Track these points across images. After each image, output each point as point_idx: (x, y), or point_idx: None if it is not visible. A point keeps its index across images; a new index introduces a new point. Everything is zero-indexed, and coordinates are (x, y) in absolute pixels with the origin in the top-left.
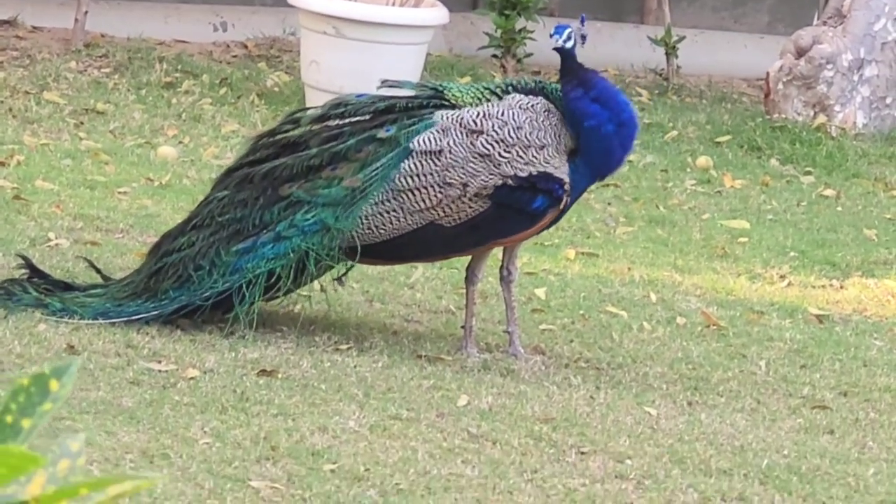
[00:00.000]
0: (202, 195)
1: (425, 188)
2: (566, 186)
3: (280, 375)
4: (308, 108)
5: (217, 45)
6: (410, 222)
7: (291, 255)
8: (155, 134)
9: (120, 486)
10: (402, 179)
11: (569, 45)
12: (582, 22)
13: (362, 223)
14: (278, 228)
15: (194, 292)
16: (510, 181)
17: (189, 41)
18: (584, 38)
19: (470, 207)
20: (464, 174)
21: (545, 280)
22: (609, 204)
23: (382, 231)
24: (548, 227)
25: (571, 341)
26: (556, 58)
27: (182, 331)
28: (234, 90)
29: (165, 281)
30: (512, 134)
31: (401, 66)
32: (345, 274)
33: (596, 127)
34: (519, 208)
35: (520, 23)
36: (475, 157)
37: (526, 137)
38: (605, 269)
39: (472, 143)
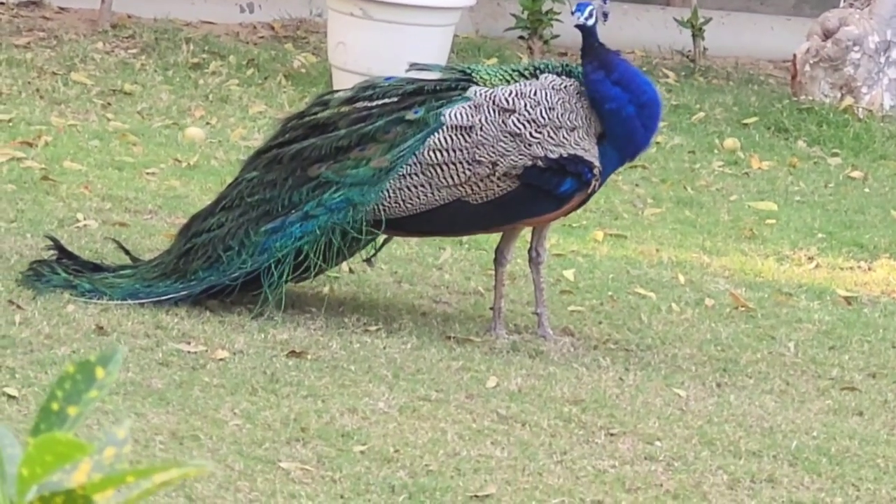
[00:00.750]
0: (230, 176)
1: (454, 164)
2: (595, 171)
3: (309, 357)
4: (337, 91)
5: (244, 26)
6: (437, 198)
7: (318, 232)
8: (182, 115)
9: (166, 474)
10: (431, 153)
11: (590, 22)
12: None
13: (390, 196)
14: (306, 208)
15: (223, 272)
16: (540, 162)
17: (216, 22)
18: (605, 15)
19: (498, 186)
20: (493, 152)
21: (574, 261)
22: (637, 185)
23: (409, 205)
24: (575, 209)
25: (600, 323)
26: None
27: (211, 312)
28: (261, 71)
29: (195, 261)
30: (544, 114)
31: (427, 47)
32: (374, 255)
33: (617, 110)
34: (547, 190)
35: (546, 4)
36: (506, 136)
37: (558, 118)
38: (633, 250)
39: (503, 121)
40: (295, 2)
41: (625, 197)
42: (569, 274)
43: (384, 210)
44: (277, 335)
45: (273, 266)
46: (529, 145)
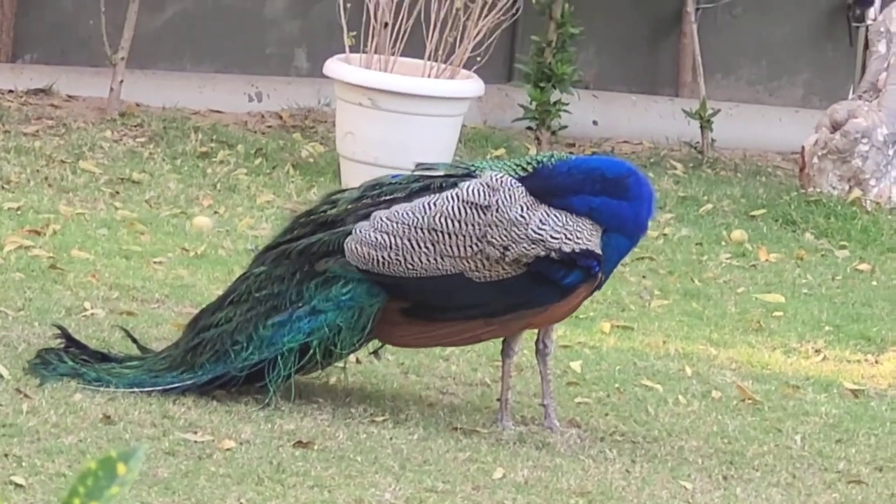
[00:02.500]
0: (237, 266)
1: (463, 236)
2: (602, 263)
3: (316, 447)
4: (345, 190)
5: (252, 115)
6: (440, 266)
7: (326, 329)
8: (190, 204)
9: None
10: (442, 220)
11: None
12: None
13: (392, 249)
14: (314, 302)
15: (230, 364)
16: (553, 254)
17: (224, 111)
18: None
19: (503, 269)
20: (506, 237)
21: (580, 353)
22: (644, 277)
23: (410, 267)
24: (582, 302)
25: (607, 415)
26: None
27: (218, 402)
28: (269, 160)
29: (203, 355)
30: (560, 220)
31: (436, 137)
32: (381, 347)
33: (586, 208)
34: (552, 280)
35: (554, 95)
36: (520, 227)
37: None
38: (640, 342)
39: (522, 216)
40: (303, 91)
41: (632, 289)
42: (576, 366)
43: (387, 263)
44: (284, 425)
45: (279, 359)
46: (543, 241)
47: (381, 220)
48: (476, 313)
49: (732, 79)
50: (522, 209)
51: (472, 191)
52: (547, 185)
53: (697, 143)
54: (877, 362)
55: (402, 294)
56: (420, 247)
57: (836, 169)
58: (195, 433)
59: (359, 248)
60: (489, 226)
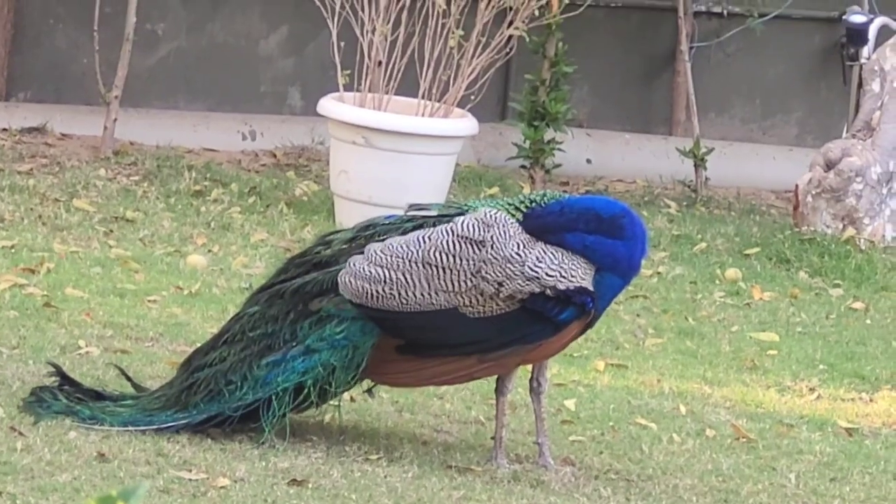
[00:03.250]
0: (232, 305)
1: (458, 271)
2: (595, 300)
3: (310, 485)
4: (339, 231)
5: (246, 153)
6: (434, 301)
7: (321, 369)
8: (184, 242)
9: None
10: (437, 254)
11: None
12: None
13: (388, 284)
14: (308, 342)
15: (224, 404)
16: (549, 291)
17: (218, 149)
18: None
19: (497, 305)
20: (501, 273)
21: (575, 391)
22: (638, 315)
23: (404, 301)
24: (575, 339)
25: (601, 453)
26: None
27: (213, 440)
28: (263, 199)
29: (196, 395)
30: (555, 260)
31: (430, 176)
32: (375, 385)
33: (580, 246)
34: (547, 317)
35: (548, 134)
36: (515, 264)
37: (568, 261)
38: (634, 380)
39: (518, 253)
40: (297, 130)
41: (626, 327)
42: (570, 404)
43: (380, 297)
44: (279, 463)
45: (274, 398)
46: (539, 278)
47: (376, 253)
48: (470, 350)
49: (726, 117)
50: (518, 246)
51: (467, 226)
52: (541, 224)
53: (691, 181)
54: (871, 401)
55: (396, 329)
56: (414, 281)
57: (830, 207)
58: (190, 471)
59: (353, 282)
60: (484, 262)
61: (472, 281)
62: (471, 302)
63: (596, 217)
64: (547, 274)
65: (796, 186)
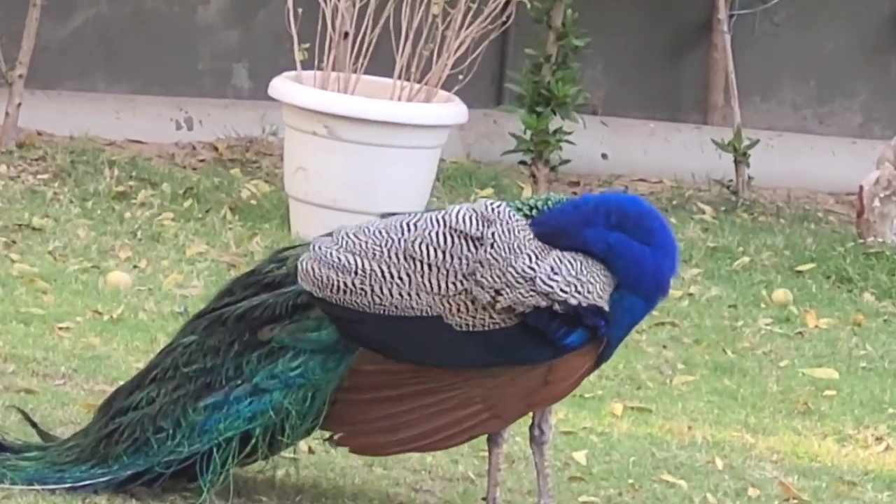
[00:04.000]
0: (162, 333)
1: (447, 270)
2: (608, 318)
3: None
4: (296, 245)
5: (180, 146)
6: (414, 303)
7: (272, 414)
8: (104, 256)
9: None
10: (423, 247)
11: None
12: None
13: (360, 276)
14: (256, 380)
15: (153, 457)
16: (557, 306)
17: (146, 141)
18: None
19: (491, 318)
20: (500, 279)
21: (586, 441)
22: (664, 347)
23: (378, 299)
24: (587, 375)
25: None
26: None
27: (138, 501)
28: (202, 203)
29: (118, 445)
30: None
31: (408, 174)
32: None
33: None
34: (550, 338)
35: (554, 122)
36: (518, 269)
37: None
38: (659, 427)
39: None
40: (244, 117)
41: (649, 361)
42: (580, 456)
43: (349, 290)
44: None
45: (215, 451)
46: (546, 285)
47: (348, 236)
48: (451, 368)
49: (774, 102)
50: (524, 249)
51: (462, 217)
52: (554, 226)
53: (731, 181)
54: None
55: (362, 338)
56: (392, 275)
57: None
58: None
59: (316, 269)
60: (480, 263)
61: (462, 284)
62: (458, 309)
63: (619, 211)
64: (562, 289)
65: (860, 188)
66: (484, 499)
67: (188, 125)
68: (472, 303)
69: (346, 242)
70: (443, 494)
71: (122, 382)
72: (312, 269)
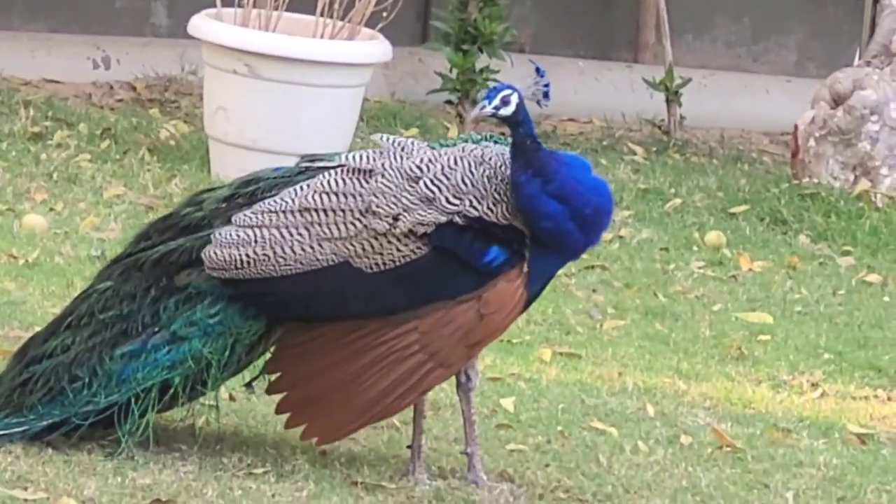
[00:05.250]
0: (79, 278)
1: (342, 211)
2: (527, 241)
3: None
4: (214, 188)
5: (97, 85)
6: (319, 255)
7: (191, 363)
8: (19, 199)
9: None
10: (317, 197)
11: (507, 111)
12: (539, 73)
13: (260, 244)
14: (174, 327)
15: (69, 408)
16: (458, 218)
17: (63, 81)
18: (545, 95)
19: (398, 250)
20: (396, 204)
21: (514, 388)
22: (594, 291)
23: (282, 260)
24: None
25: (547, 465)
26: (529, 106)
27: (55, 450)
28: (120, 144)
29: (33, 394)
30: (465, 181)
31: (331, 114)
32: (259, 377)
33: (553, 229)
34: (465, 260)
35: (481, 61)
36: (413, 191)
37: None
38: (589, 373)
39: (411, 181)
40: (162, 56)
41: (578, 306)
42: (508, 403)
43: (253, 263)
44: (138, 479)
45: (133, 401)
46: (447, 201)
47: (244, 216)
48: (374, 318)
49: (707, 40)
50: (418, 162)
51: (356, 157)
52: (541, 165)
53: (662, 121)
54: (889, 399)
55: (278, 306)
56: (292, 234)
57: (837, 154)
58: (25, 489)
59: (218, 253)
60: (374, 194)
61: (361, 221)
62: (364, 249)
63: (585, 207)
64: (453, 194)
65: (795, 127)
66: (409, 446)
67: (106, 64)
68: (375, 238)
69: (243, 219)
70: (367, 442)
71: (37, 329)
72: (214, 254)
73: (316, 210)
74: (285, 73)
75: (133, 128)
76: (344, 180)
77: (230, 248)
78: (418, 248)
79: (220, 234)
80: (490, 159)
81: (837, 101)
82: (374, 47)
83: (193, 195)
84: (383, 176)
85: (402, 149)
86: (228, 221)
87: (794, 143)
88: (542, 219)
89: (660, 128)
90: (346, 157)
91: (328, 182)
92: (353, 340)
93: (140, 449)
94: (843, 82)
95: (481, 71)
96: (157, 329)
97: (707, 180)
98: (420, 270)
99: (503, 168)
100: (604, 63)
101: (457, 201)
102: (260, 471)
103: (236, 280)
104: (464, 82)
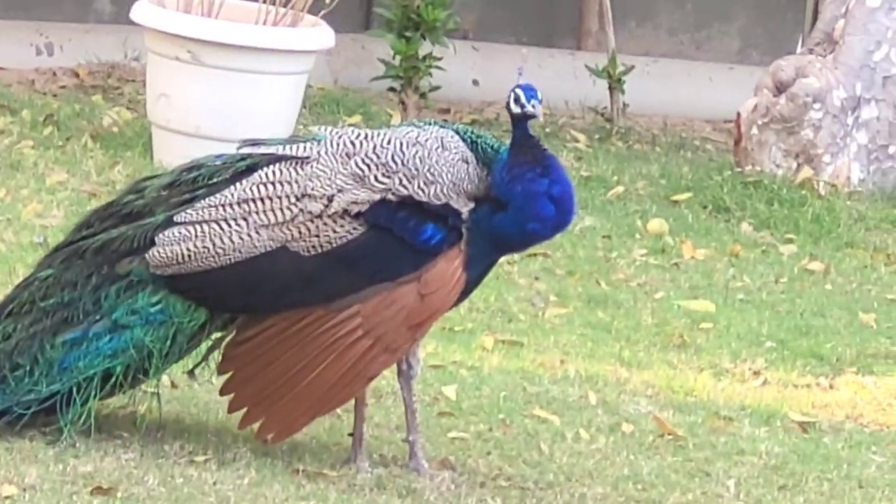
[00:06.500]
0: (21, 265)
1: (279, 198)
2: (464, 217)
3: (120, 494)
4: (154, 177)
5: (40, 72)
6: (256, 242)
7: (133, 352)
8: None
9: None
10: (254, 188)
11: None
12: (519, 75)
13: (199, 238)
14: (115, 315)
15: (11, 396)
16: (391, 195)
17: (5, 67)
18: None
19: (334, 231)
20: (330, 185)
21: (456, 375)
22: (537, 278)
23: (221, 251)
24: (454, 304)
25: (489, 453)
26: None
27: None
28: (63, 130)
29: None
30: (395, 159)
31: (274, 101)
32: (200, 364)
33: (537, 231)
34: (402, 238)
35: (424, 47)
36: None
37: (414, 167)
38: (531, 361)
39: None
40: (105, 42)
41: (521, 293)
42: (450, 391)
43: (191, 255)
44: (79, 467)
45: (75, 390)
46: (376, 179)
47: (185, 213)
48: (315, 303)
49: (649, 27)
50: (352, 140)
51: (294, 147)
52: (548, 167)
53: (605, 108)
54: (831, 387)
55: (220, 299)
56: (230, 225)
57: (780, 142)
58: None
59: (160, 252)
60: (309, 178)
61: (297, 206)
62: (300, 232)
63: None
64: (382, 172)
65: (738, 115)
66: (351, 434)
67: (48, 50)
68: (311, 221)
69: (184, 217)
70: (308, 430)
71: None
72: (157, 254)
73: (254, 200)
74: (228, 60)
75: (76, 114)
76: (281, 170)
77: (171, 245)
78: (354, 228)
79: (163, 235)
80: (426, 141)
81: (780, 88)
82: (316, 34)
83: (135, 183)
84: (318, 161)
85: (340, 136)
86: (170, 209)
87: (736, 131)
88: (533, 220)
89: (602, 115)
90: (286, 148)
91: (266, 173)
92: (297, 331)
93: (82, 436)
94: (786, 70)
95: (424, 58)
96: (98, 317)
97: (650, 168)
98: (358, 251)
99: (439, 150)
100: (547, 50)
101: (386, 179)
102: (201, 458)
103: (178, 276)
104: (407, 69)
